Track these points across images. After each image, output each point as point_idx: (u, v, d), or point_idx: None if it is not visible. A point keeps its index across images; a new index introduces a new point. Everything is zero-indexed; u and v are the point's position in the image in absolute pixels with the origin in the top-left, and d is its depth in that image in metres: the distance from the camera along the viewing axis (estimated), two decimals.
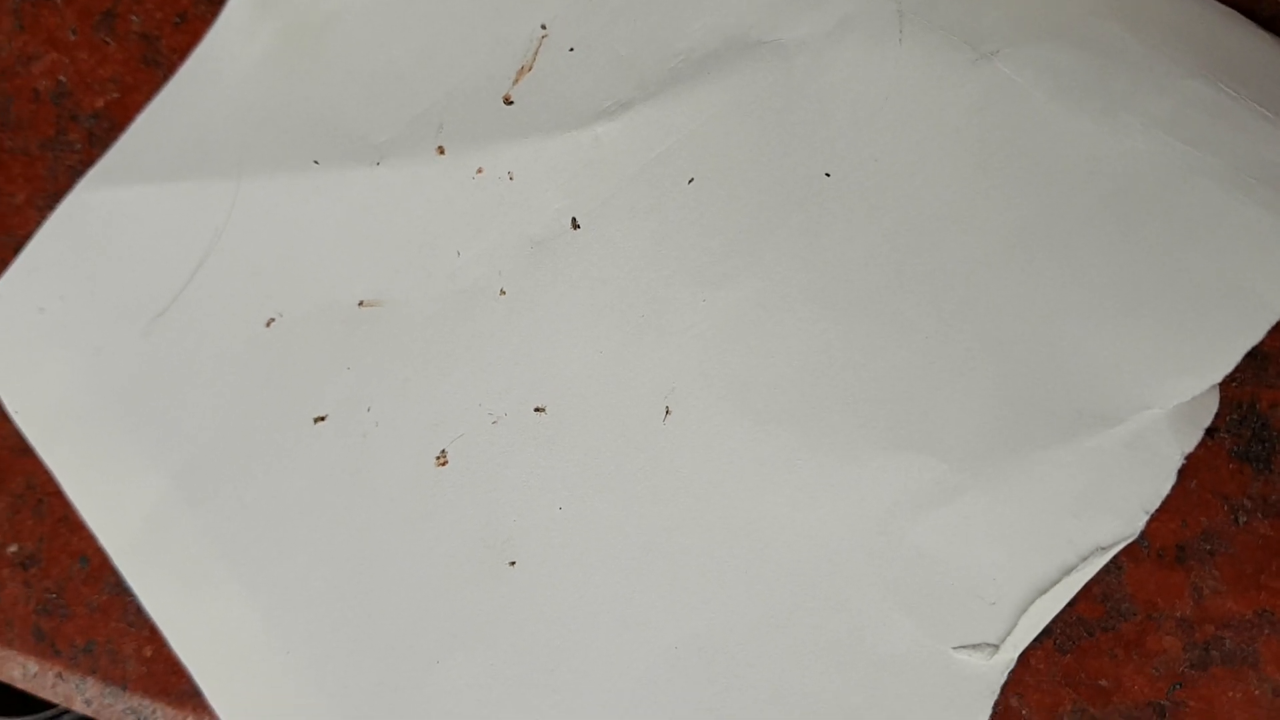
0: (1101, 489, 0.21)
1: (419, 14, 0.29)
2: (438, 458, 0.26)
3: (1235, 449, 0.22)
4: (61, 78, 0.33)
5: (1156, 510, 0.21)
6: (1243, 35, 0.22)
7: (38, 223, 0.31)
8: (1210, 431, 0.22)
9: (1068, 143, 0.22)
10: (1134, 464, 0.21)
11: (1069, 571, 0.21)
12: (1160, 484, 0.21)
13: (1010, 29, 0.23)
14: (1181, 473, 0.21)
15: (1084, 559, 0.21)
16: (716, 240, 0.24)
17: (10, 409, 0.31)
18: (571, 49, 0.26)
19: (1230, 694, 0.22)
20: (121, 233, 0.30)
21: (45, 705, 0.59)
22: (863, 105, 0.23)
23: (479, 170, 0.27)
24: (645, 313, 0.25)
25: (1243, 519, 0.22)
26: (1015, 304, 0.22)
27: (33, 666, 0.30)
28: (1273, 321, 0.20)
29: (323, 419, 0.27)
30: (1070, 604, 0.22)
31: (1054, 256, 0.22)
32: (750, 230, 0.24)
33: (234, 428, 0.28)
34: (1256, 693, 0.21)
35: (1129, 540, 0.21)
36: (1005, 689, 0.22)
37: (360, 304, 0.28)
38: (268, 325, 0.28)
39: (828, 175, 0.24)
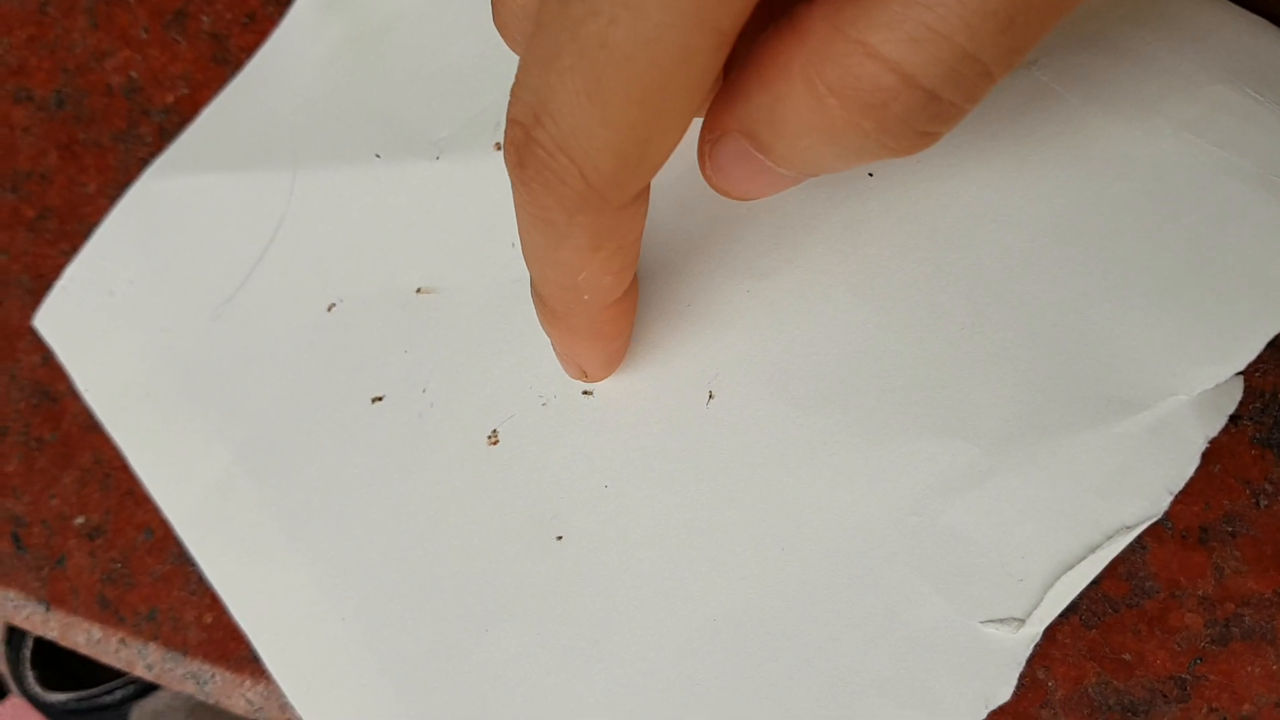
0: (1128, 472, 0.22)
1: (475, 18, 0.30)
2: (489, 437, 0.27)
3: (1257, 435, 0.23)
4: (133, 74, 0.34)
5: (1180, 493, 0.22)
6: (1269, 42, 0.23)
7: (108, 212, 0.33)
8: (1234, 418, 0.23)
9: (1101, 144, 0.23)
10: (1159, 448, 0.22)
11: (1095, 550, 0.22)
12: (1184, 467, 0.22)
13: (1049, 38, 0.24)
14: (1205, 457, 0.22)
15: (1109, 538, 0.22)
16: (761, 234, 0.25)
17: (80, 387, 0.32)
18: None
19: (1249, 668, 0.22)
20: (187, 219, 0.32)
21: (106, 675, 0.60)
22: None
23: None
24: (691, 302, 0.26)
25: (1264, 502, 0.23)
26: (1047, 296, 0.23)
27: (97, 633, 0.32)
28: None
29: (380, 399, 0.28)
30: (1096, 581, 0.23)
31: (1086, 251, 0.23)
32: (794, 225, 0.25)
33: (296, 406, 0.29)
34: (1275, 668, 0.22)
35: (1153, 521, 0.22)
36: (1032, 662, 0.23)
37: (418, 291, 0.29)
38: (329, 310, 0.30)
39: (870, 175, 0.25)
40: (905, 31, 0.15)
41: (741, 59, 0.18)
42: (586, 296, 0.21)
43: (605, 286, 0.21)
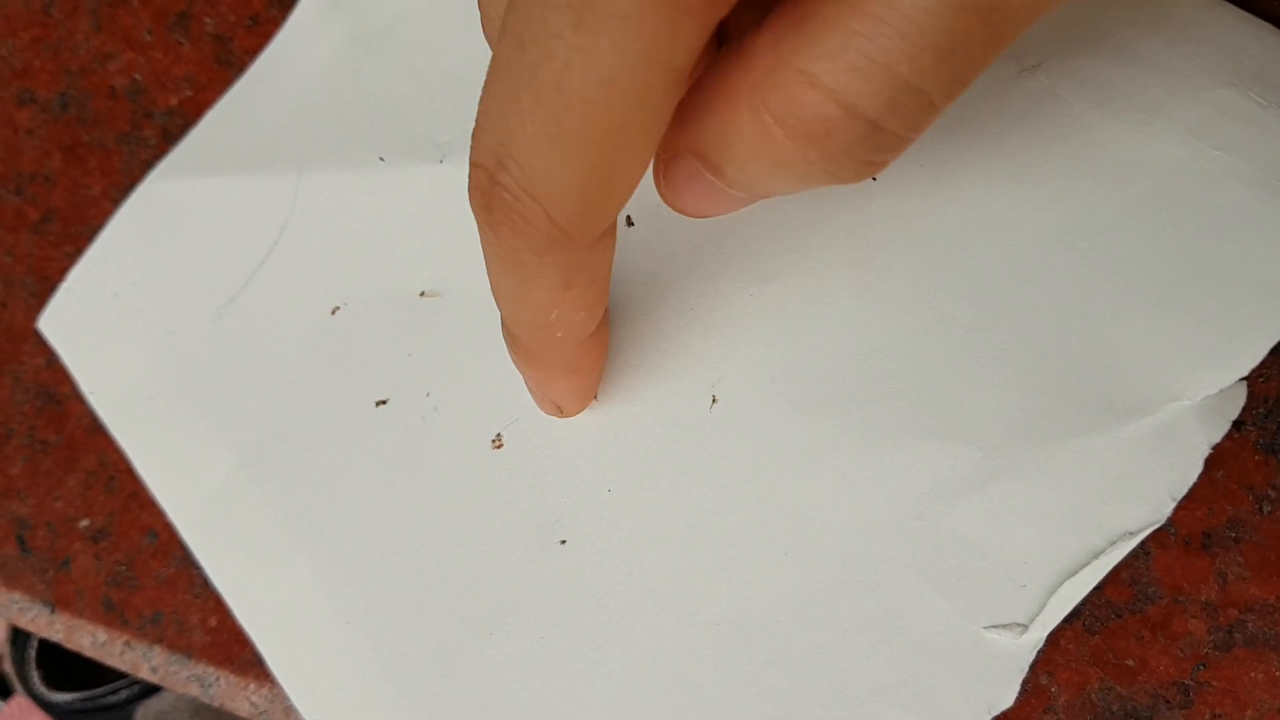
0: (1131, 477, 0.22)
1: (479, 19, 0.30)
2: (493, 440, 0.27)
3: (1261, 441, 0.23)
4: (137, 75, 0.34)
5: (1183, 498, 0.22)
6: (1273, 45, 0.23)
7: (112, 214, 0.33)
8: (1237, 424, 0.23)
9: (1105, 148, 0.23)
10: (1162, 454, 0.22)
11: (1098, 555, 0.22)
12: (1187, 473, 0.22)
13: (1053, 43, 0.24)
14: (1208, 463, 0.22)
15: (1112, 544, 0.22)
16: (764, 238, 0.25)
17: (84, 389, 0.32)
18: None
19: (1252, 674, 0.22)
20: (191, 222, 0.32)
21: (110, 676, 0.60)
22: None
23: None
24: (695, 306, 0.26)
25: (1267, 508, 0.23)
26: (1050, 300, 0.23)
27: (102, 635, 0.32)
28: None
29: (384, 402, 0.29)
30: (1099, 587, 0.23)
31: (1090, 256, 0.23)
32: (798, 230, 0.25)
33: (299, 409, 0.29)
34: (1278, 673, 0.22)
35: (1156, 526, 0.22)
36: (1035, 667, 0.23)
37: (421, 294, 0.29)
38: (333, 313, 0.30)
39: (874, 179, 0.25)
40: (847, 61, 0.15)
41: (696, 81, 0.18)
42: (560, 334, 0.22)
43: (578, 323, 0.21)
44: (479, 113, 0.17)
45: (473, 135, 0.18)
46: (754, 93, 0.16)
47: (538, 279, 0.19)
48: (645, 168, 0.17)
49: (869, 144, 0.16)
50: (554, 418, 0.26)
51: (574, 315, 0.21)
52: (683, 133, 0.18)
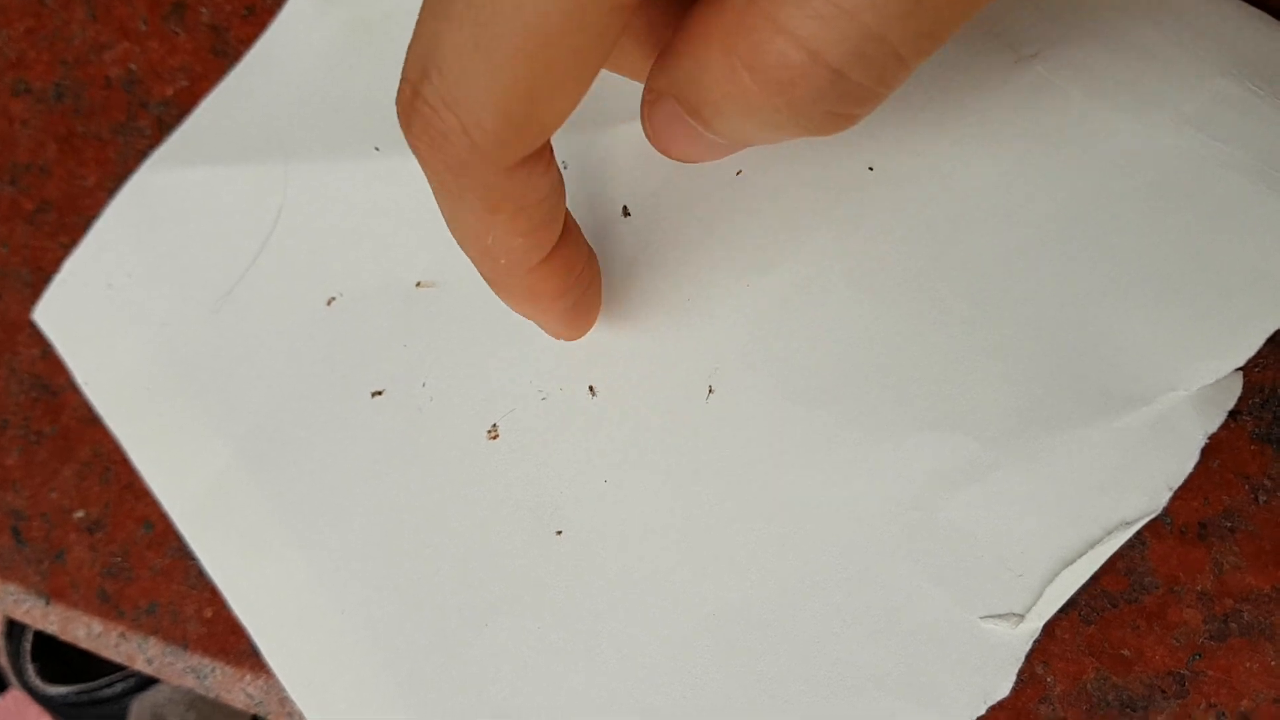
0: (1127, 467, 0.22)
1: None
2: (489, 431, 0.27)
3: (1257, 431, 0.23)
4: (132, 66, 0.34)
5: (1179, 488, 0.22)
6: (1270, 35, 0.23)
7: (107, 204, 0.33)
8: (1233, 414, 0.23)
9: (1102, 138, 0.23)
10: (1159, 444, 0.22)
11: (1094, 545, 0.22)
12: (1184, 463, 0.22)
13: (1049, 32, 0.24)
14: (1204, 453, 0.22)
15: (1109, 534, 0.22)
16: (762, 229, 0.25)
17: (79, 380, 0.32)
18: None
19: (1248, 664, 0.22)
20: (186, 212, 0.32)
21: (106, 669, 0.60)
22: (906, 104, 0.24)
23: None
24: (691, 296, 0.26)
25: (1263, 498, 0.23)
26: (1048, 290, 0.23)
27: (97, 627, 0.32)
28: None
29: (380, 393, 0.28)
30: (1095, 577, 0.23)
31: (1087, 246, 0.23)
32: (795, 220, 0.25)
33: (295, 401, 0.29)
34: (1273, 664, 0.22)
35: (1152, 516, 0.22)
36: (1031, 657, 0.23)
37: (417, 284, 0.29)
38: (328, 304, 0.29)
39: (870, 169, 0.25)
40: (812, 8, 0.15)
41: (679, 25, 0.18)
42: (502, 260, 0.21)
43: (517, 249, 0.21)
44: (414, 27, 0.17)
45: (406, 50, 0.17)
46: (726, 36, 0.16)
47: (460, 201, 0.19)
48: (574, 99, 0.17)
49: (834, 94, 0.16)
50: (551, 408, 0.26)
51: (510, 241, 0.20)
52: (665, 74, 0.18)
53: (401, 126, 0.18)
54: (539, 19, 0.15)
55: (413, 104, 0.17)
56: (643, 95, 0.19)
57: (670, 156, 0.20)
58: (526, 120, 0.17)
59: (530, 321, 0.25)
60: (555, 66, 0.16)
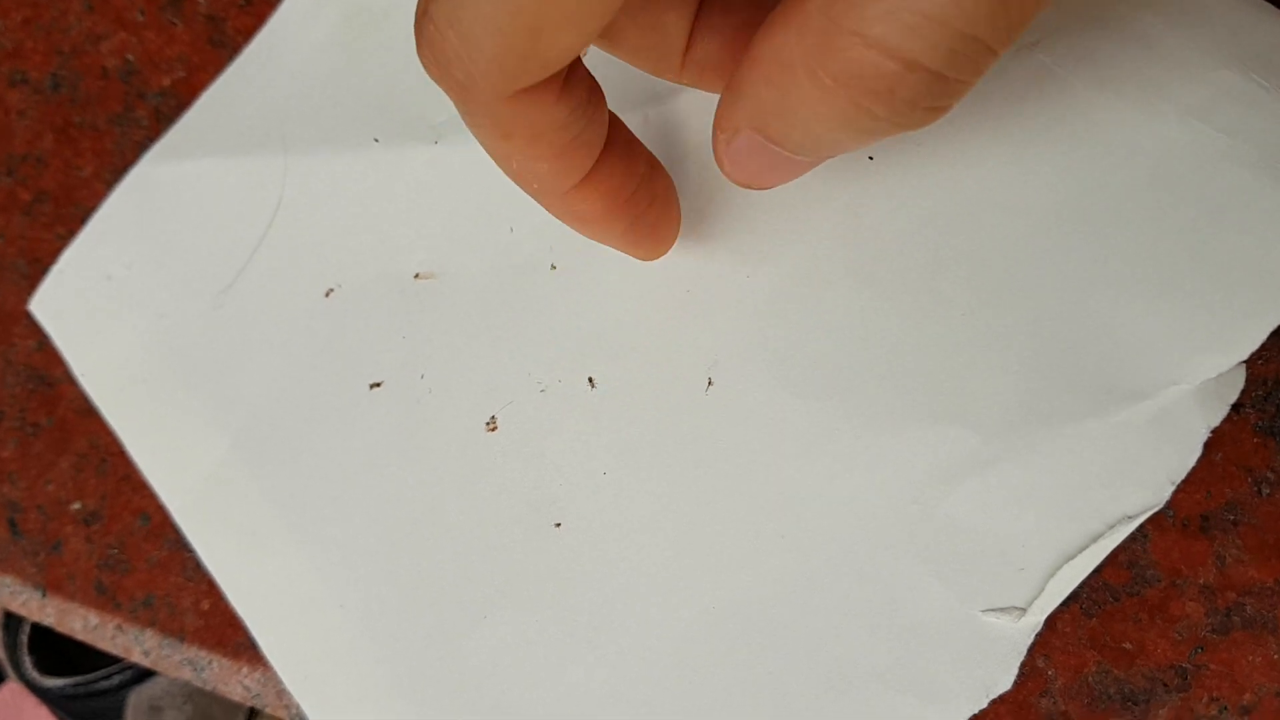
0: (1129, 461, 0.22)
1: None
2: (488, 423, 0.27)
3: (1259, 424, 0.23)
4: (129, 56, 0.34)
5: (1182, 481, 0.22)
6: (1274, 27, 0.23)
7: (104, 195, 0.33)
8: (1235, 407, 0.23)
9: (1105, 129, 0.23)
10: (1161, 437, 0.22)
11: (1096, 539, 0.22)
12: (1186, 457, 0.22)
13: (1052, 21, 0.24)
14: (1207, 446, 0.22)
15: (1111, 527, 0.22)
16: (761, 220, 0.25)
17: (77, 372, 0.32)
18: None
19: (1250, 658, 0.22)
20: (185, 204, 0.32)
21: (103, 662, 0.60)
22: None
23: None
24: (690, 288, 0.26)
25: (1266, 491, 0.23)
26: (1049, 283, 0.23)
27: (94, 619, 0.32)
28: None
29: (379, 385, 0.28)
30: (1097, 570, 0.22)
31: (1089, 238, 0.23)
32: (794, 211, 0.25)
33: (294, 393, 0.29)
34: (1276, 657, 0.22)
35: (1155, 510, 0.22)
36: (1032, 651, 0.23)
37: (416, 276, 0.29)
38: (327, 295, 0.29)
39: (870, 159, 0.25)
40: (902, 21, 0.15)
41: (742, 57, 0.18)
42: (535, 185, 0.21)
43: (544, 174, 0.21)
44: None
45: None
46: (811, 59, 0.16)
47: (475, 124, 0.19)
48: (580, 36, 0.17)
49: (933, 93, 0.16)
50: (550, 400, 0.26)
51: (534, 166, 0.20)
52: (740, 109, 0.18)
53: (417, 46, 0.18)
54: None
55: (421, 21, 0.17)
56: (714, 135, 0.19)
57: (752, 188, 0.20)
58: (528, 52, 0.17)
59: (530, 311, 0.25)
60: (556, 3, 0.16)
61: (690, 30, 0.21)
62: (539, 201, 0.22)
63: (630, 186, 0.22)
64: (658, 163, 0.24)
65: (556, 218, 0.23)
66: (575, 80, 0.19)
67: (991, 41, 0.16)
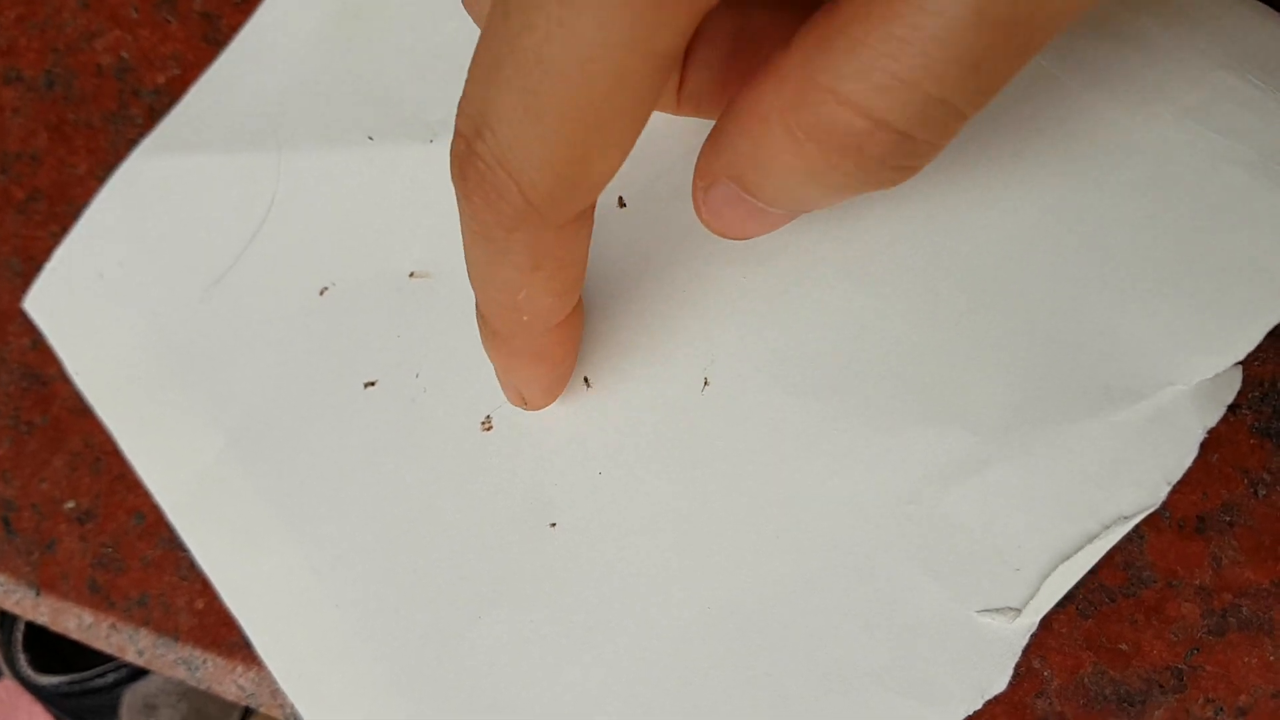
0: (1125, 461, 0.22)
1: None
2: (483, 423, 0.27)
3: (1256, 425, 0.23)
4: (124, 54, 0.34)
5: (1178, 482, 0.22)
6: (1271, 28, 0.23)
7: (98, 193, 0.32)
8: (1232, 408, 0.22)
9: (1101, 131, 0.23)
10: (1157, 438, 0.22)
11: (1092, 540, 0.22)
12: (1182, 457, 0.22)
13: None
14: (1203, 447, 0.22)
15: (1107, 528, 0.22)
16: None
17: (70, 370, 0.32)
18: None
19: (1246, 659, 0.22)
20: (177, 200, 0.31)
21: (98, 659, 0.60)
22: None
23: None
24: (687, 288, 0.26)
25: (1262, 492, 0.23)
26: (1046, 283, 0.23)
27: (88, 618, 0.31)
28: None
29: (373, 384, 0.28)
30: (1093, 571, 0.22)
31: (1085, 239, 0.23)
32: None
33: (288, 391, 0.29)
34: (1272, 658, 0.22)
35: (1151, 511, 0.22)
36: (1028, 651, 0.23)
37: (411, 275, 0.29)
38: (321, 294, 0.29)
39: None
40: (874, 81, 0.15)
41: (727, 106, 0.18)
42: (526, 317, 0.21)
43: (545, 308, 0.21)
44: (466, 81, 0.17)
45: (458, 104, 0.18)
46: (786, 112, 0.16)
47: (506, 256, 0.19)
48: (624, 152, 0.17)
49: (901, 153, 0.16)
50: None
51: (541, 300, 0.21)
52: (719, 157, 0.18)
53: (454, 178, 0.18)
54: (586, 87, 0.16)
55: (467, 159, 0.18)
56: (694, 182, 0.20)
57: (728, 236, 0.20)
58: (579, 178, 0.17)
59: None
60: (605, 128, 0.16)
61: (683, 65, 0.21)
62: (511, 337, 0.23)
63: (581, 332, 0.24)
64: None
65: (507, 358, 0.24)
66: (593, 208, 0.20)
67: (962, 105, 0.16)
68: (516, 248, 0.19)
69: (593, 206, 0.20)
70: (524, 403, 0.26)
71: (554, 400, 0.26)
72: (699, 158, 0.19)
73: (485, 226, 0.19)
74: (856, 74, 0.15)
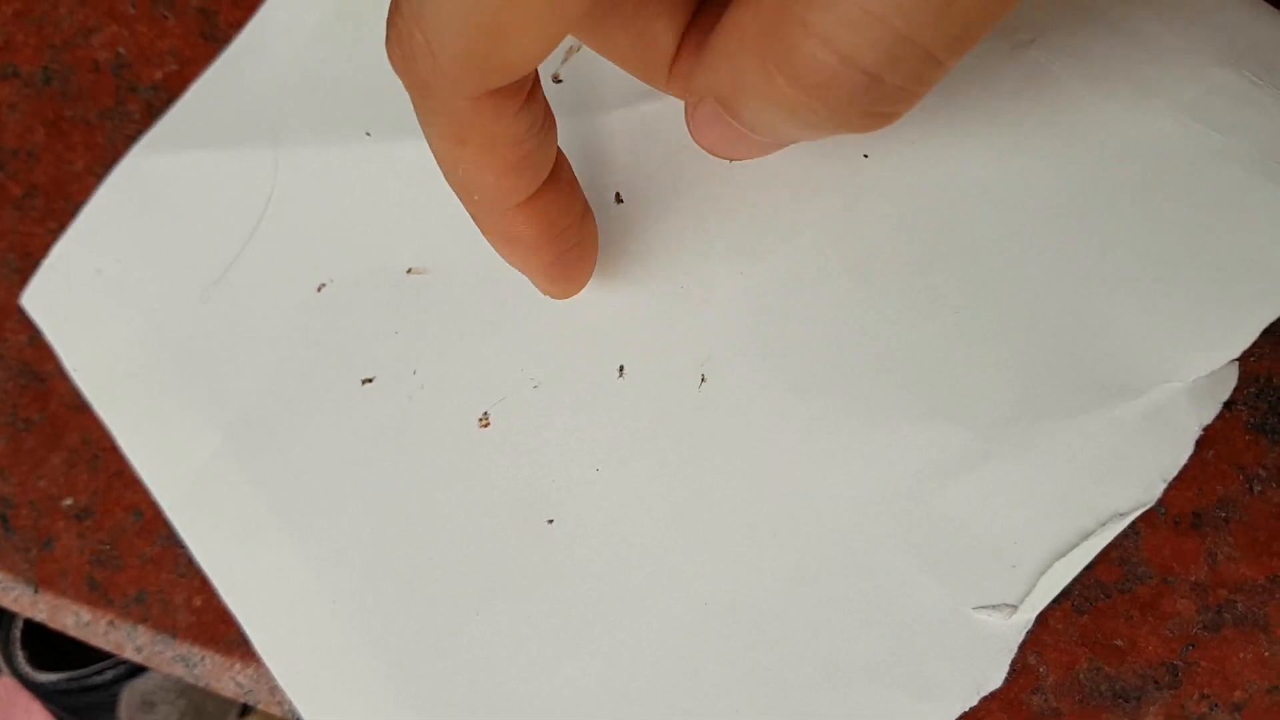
0: (1122, 458, 0.22)
1: None
2: (480, 419, 0.27)
3: (1252, 421, 0.23)
4: (121, 50, 0.34)
5: (1174, 479, 0.22)
6: (1269, 25, 0.23)
7: (96, 190, 0.32)
8: (1228, 405, 0.22)
9: (1099, 126, 0.23)
10: (1153, 434, 0.22)
11: (1088, 536, 0.22)
12: (1178, 454, 0.22)
13: (1046, 18, 0.24)
14: (1199, 443, 0.22)
15: (1103, 524, 0.22)
16: (756, 216, 0.25)
17: (68, 366, 0.32)
18: None
19: (1241, 655, 0.22)
20: (176, 197, 0.31)
21: (96, 656, 0.60)
22: None
23: None
24: (684, 284, 0.26)
25: (1257, 488, 0.23)
26: (1043, 279, 0.23)
27: (86, 615, 0.31)
28: None
29: (370, 380, 0.28)
30: (1089, 567, 0.23)
31: (1082, 235, 0.23)
32: (789, 207, 0.25)
33: (286, 388, 0.29)
34: (1267, 654, 0.22)
35: (1147, 507, 0.22)
36: (1024, 647, 0.23)
37: (408, 271, 0.29)
38: (319, 290, 0.29)
39: (865, 156, 0.24)
40: (842, 13, 0.15)
41: (715, 26, 0.18)
42: (477, 196, 0.21)
43: (490, 187, 0.21)
44: None
45: None
46: (759, 41, 0.16)
47: (430, 125, 0.19)
48: (543, 42, 0.17)
49: (870, 95, 0.16)
50: (543, 396, 0.26)
51: (481, 178, 0.20)
52: (702, 75, 0.18)
53: (386, 42, 0.18)
54: None
55: (392, 16, 0.18)
56: (687, 98, 0.20)
57: (715, 155, 0.20)
58: (490, 53, 0.17)
59: (523, 307, 0.25)
60: (523, 5, 0.16)
61: (679, 42, 0.21)
62: (475, 216, 0.22)
63: (566, 221, 0.23)
64: (590, 210, 0.24)
65: (488, 237, 0.23)
66: (534, 101, 0.19)
67: (935, 50, 0.15)
68: (436, 118, 0.19)
69: (530, 91, 0.19)
70: (541, 288, 0.25)
71: (570, 293, 0.25)
72: (692, 72, 0.19)
73: (409, 89, 0.18)
74: (827, 5, 0.15)
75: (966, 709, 0.23)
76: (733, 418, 0.25)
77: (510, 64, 0.17)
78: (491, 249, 0.25)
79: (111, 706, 0.60)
